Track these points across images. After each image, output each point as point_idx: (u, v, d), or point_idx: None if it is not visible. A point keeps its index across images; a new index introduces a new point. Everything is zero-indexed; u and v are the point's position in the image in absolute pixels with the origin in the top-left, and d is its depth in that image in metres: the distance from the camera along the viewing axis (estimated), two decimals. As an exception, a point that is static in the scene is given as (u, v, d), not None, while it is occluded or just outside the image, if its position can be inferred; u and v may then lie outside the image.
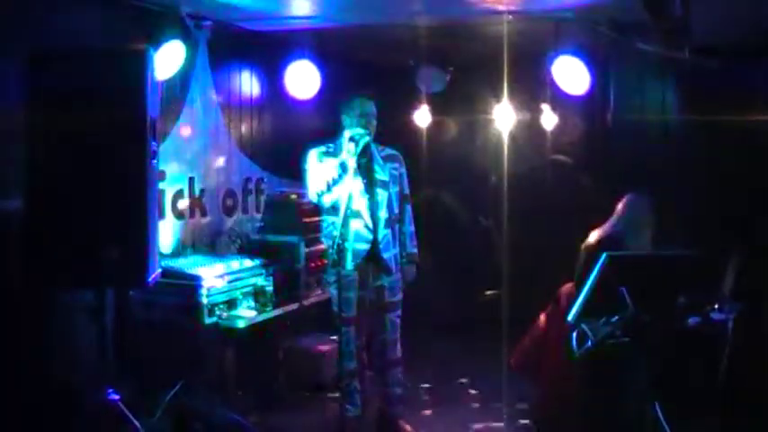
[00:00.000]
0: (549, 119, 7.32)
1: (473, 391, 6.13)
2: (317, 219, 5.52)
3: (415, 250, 5.38)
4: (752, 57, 5.46)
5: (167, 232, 5.58)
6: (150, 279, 3.83)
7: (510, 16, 5.62)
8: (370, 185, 5.08)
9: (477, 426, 5.55)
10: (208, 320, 5.03)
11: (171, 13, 5.13)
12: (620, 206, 5.23)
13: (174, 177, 5.65)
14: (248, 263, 5.51)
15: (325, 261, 5.51)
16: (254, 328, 5.31)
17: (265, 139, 6.72)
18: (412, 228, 5.38)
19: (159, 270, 4.08)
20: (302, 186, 5.30)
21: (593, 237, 5.23)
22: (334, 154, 4.99)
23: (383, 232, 5.09)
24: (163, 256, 5.03)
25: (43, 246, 3.71)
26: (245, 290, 5.38)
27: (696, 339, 4.92)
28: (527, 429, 5.53)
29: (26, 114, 3.71)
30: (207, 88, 5.99)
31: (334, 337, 5.83)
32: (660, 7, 4.65)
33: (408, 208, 5.36)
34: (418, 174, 6.99)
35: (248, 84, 6.55)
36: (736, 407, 4.75)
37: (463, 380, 6.28)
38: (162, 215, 5.45)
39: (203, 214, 5.96)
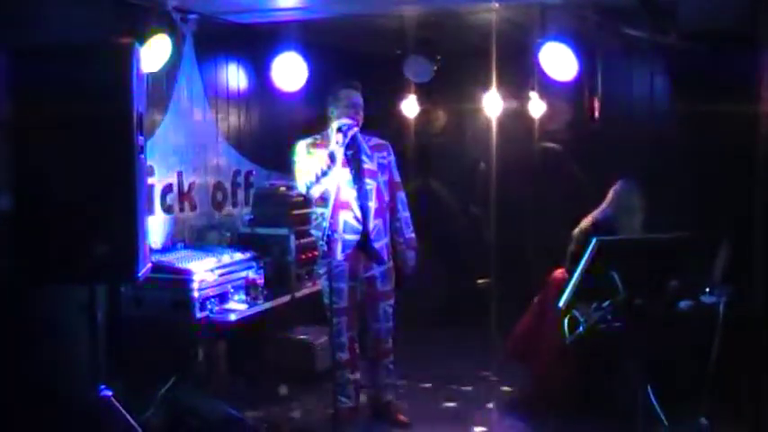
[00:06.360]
0: (537, 106, 7.32)
1: (466, 389, 6.11)
2: (306, 211, 5.51)
3: (413, 236, 5.36)
4: (740, 42, 5.45)
5: (157, 227, 5.56)
6: (141, 274, 3.81)
7: (497, 4, 5.61)
8: (359, 176, 5.07)
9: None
10: (199, 314, 5.02)
11: (157, 6, 5.11)
12: (610, 192, 5.26)
13: (162, 172, 5.62)
14: (239, 256, 5.51)
15: (316, 253, 5.51)
16: (246, 321, 5.31)
17: (253, 131, 6.70)
18: (407, 213, 5.35)
19: (149, 265, 4.06)
20: (291, 179, 5.30)
21: (585, 223, 5.25)
22: (323, 145, 4.98)
23: (374, 222, 5.08)
24: (153, 251, 5.02)
25: (32, 242, 3.69)
26: (236, 283, 5.38)
27: (687, 322, 4.94)
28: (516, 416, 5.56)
29: (12, 110, 3.68)
30: (194, 82, 5.95)
31: (327, 329, 5.84)
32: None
33: (401, 195, 5.33)
34: (406, 163, 6.98)
35: (235, 77, 6.52)
36: (727, 390, 4.77)
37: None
38: (151, 210, 5.44)
39: (193, 208, 5.94)
